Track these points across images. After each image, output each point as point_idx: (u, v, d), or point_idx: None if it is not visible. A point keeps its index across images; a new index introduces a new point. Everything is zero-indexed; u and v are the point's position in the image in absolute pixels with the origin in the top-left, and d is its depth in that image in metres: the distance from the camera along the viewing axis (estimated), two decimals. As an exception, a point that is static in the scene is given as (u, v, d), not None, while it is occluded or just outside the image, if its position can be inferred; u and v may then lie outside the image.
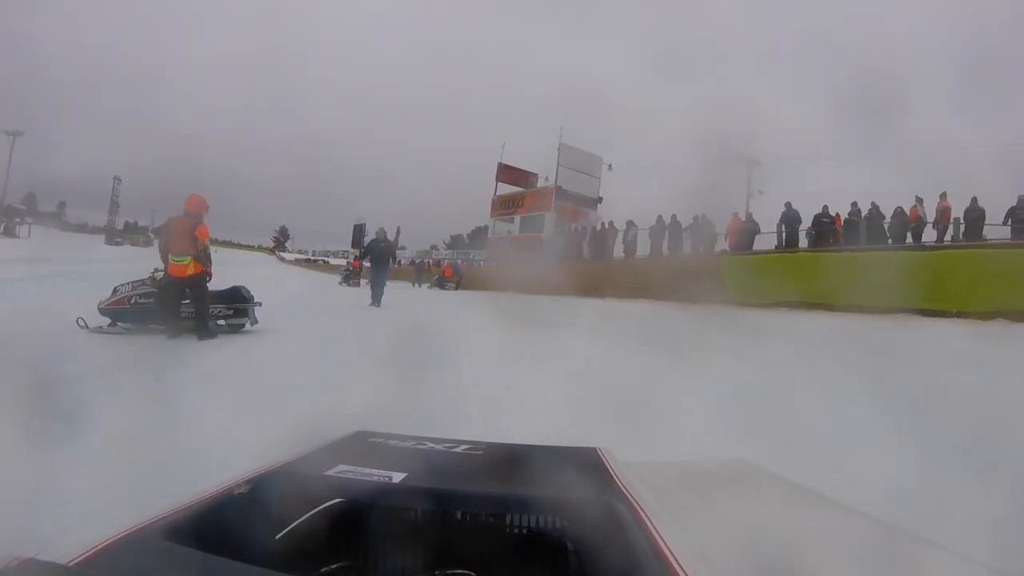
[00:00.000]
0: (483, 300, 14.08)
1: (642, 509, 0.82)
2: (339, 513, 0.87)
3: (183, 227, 6.19)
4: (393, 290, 20.61)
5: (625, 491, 0.91)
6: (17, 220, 22.38)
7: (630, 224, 16.67)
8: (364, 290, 19.76)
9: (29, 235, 21.43)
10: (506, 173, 25.75)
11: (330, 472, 0.95)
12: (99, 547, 0.64)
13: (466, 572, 0.83)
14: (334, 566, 0.83)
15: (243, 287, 6.68)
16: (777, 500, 1.18)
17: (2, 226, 21.56)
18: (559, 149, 22.80)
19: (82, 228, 29.01)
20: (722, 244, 14.80)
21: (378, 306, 10.55)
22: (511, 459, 1.17)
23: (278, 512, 0.84)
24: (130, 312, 6.05)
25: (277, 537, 0.82)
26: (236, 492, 0.86)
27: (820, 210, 14.11)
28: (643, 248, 16.37)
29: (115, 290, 6.17)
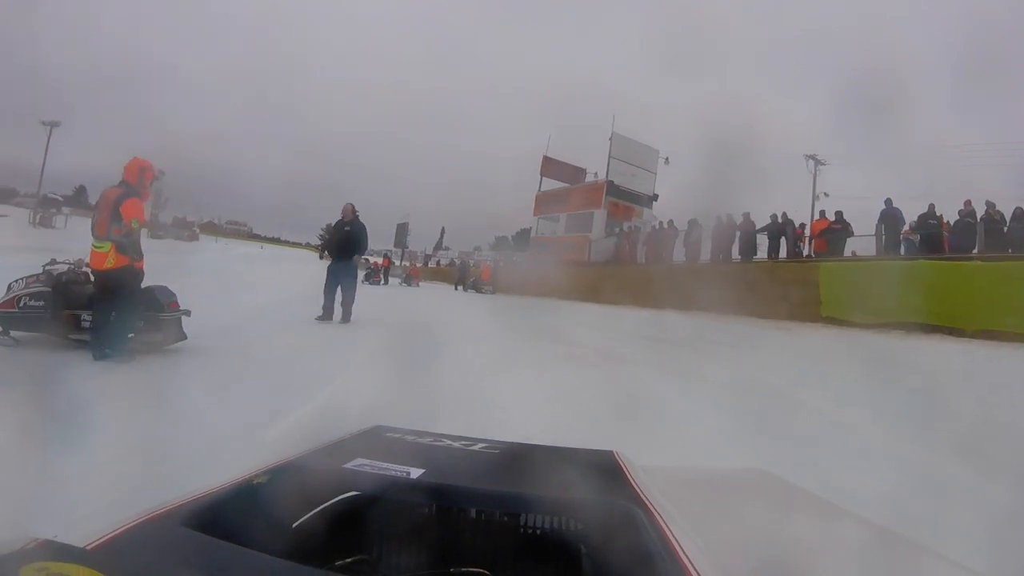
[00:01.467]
0: (523, 311, 12.17)
1: (659, 514, 0.81)
2: (355, 506, 0.87)
3: (108, 201, 4.47)
4: (417, 293, 17.65)
5: (642, 495, 0.90)
6: (53, 211, 22.49)
7: (692, 223, 14.61)
8: (382, 291, 19.10)
9: (66, 226, 21.40)
10: (551, 167, 23.59)
11: (348, 465, 0.95)
12: (116, 531, 0.64)
13: (481, 571, 0.83)
14: (348, 559, 0.84)
15: (162, 288, 4.86)
16: (796, 511, 1.15)
17: (38, 216, 21.64)
18: (611, 139, 20.32)
19: None
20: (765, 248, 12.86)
21: (347, 321, 7.39)
22: (527, 459, 1.15)
23: (295, 503, 0.84)
24: (19, 317, 4.51)
25: (293, 528, 0.81)
26: (255, 482, 0.86)
27: (926, 210, 11.90)
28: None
29: (9, 287, 4.64)
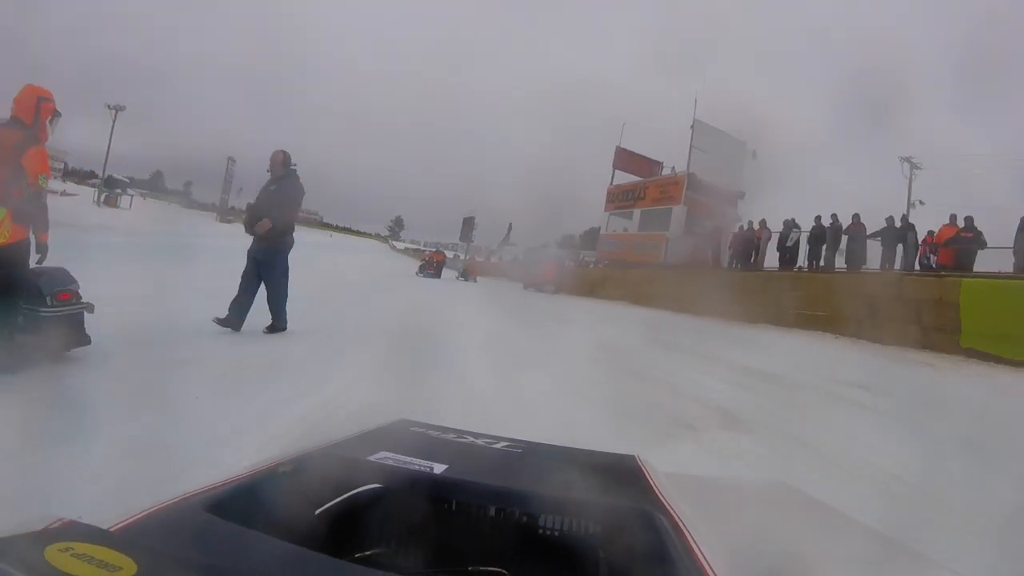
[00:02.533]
0: (593, 320, 10.41)
1: (681, 521, 0.81)
2: (376, 499, 0.87)
3: (2, 149, 3.15)
4: (465, 289, 16.39)
5: (664, 501, 0.90)
6: (119, 191, 23.74)
7: (789, 224, 12.95)
8: (422, 284, 17.88)
9: (131, 207, 22.56)
10: (624, 159, 22.03)
11: (372, 458, 0.96)
12: (140, 515, 0.64)
13: (500, 570, 0.83)
14: (368, 552, 0.85)
15: (57, 272, 3.50)
16: (817, 524, 1.15)
17: (103, 196, 22.87)
18: (692, 127, 18.56)
19: (203, 207, 30.89)
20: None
21: (276, 330, 5.02)
22: (549, 460, 1.15)
23: (318, 493, 0.84)
24: None
25: (314, 518, 0.81)
26: (279, 470, 0.86)
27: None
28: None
29: None
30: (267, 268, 4.99)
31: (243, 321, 4.84)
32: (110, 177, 25.34)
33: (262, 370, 3.73)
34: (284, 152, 5.14)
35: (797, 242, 12.71)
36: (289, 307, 5.09)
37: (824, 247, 12.31)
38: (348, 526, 0.85)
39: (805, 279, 11.08)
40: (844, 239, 12.04)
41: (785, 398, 4.27)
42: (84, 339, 3.53)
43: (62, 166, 35.31)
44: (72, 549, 0.49)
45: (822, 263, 12.07)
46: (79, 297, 3.52)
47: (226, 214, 27.21)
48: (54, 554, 0.48)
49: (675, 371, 5.18)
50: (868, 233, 11.82)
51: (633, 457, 1.19)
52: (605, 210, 22.52)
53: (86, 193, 23.05)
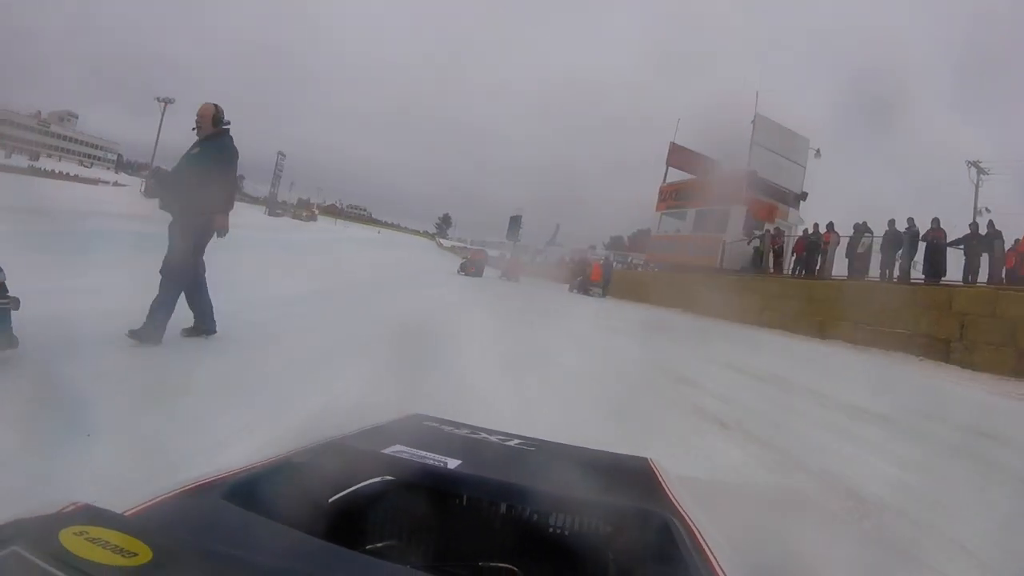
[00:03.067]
0: (655, 333, 9.35)
1: (694, 524, 0.80)
2: (389, 492, 0.88)
3: None
4: (503, 289, 15.25)
5: (677, 504, 0.90)
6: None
7: (860, 229, 12.14)
8: (459, 282, 16.53)
9: None
10: (678, 156, 21.15)
11: (386, 451, 0.96)
12: (155, 500, 0.65)
13: (510, 567, 0.84)
14: (380, 544, 0.85)
15: None
16: (830, 531, 1.18)
17: (144, 185, 24.02)
18: (753, 122, 17.55)
19: (254, 200, 32.03)
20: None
21: (201, 332, 4.03)
22: (562, 459, 1.13)
23: (332, 484, 0.84)
24: None
25: (327, 508, 0.82)
26: (294, 460, 0.86)
27: None
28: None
29: None
30: (175, 252, 3.89)
31: (162, 328, 3.72)
32: (157, 168, 26.69)
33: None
34: (215, 105, 4.11)
35: (869, 248, 11.91)
36: (281, 305, 4.67)
37: (899, 254, 11.50)
38: (360, 518, 0.86)
39: (883, 290, 10.27)
40: (921, 246, 11.23)
41: (927, 465, 3.31)
42: (10, 342, 2.87)
43: (115, 157, 37.49)
44: (87, 533, 0.49)
45: (897, 272, 11.26)
46: (4, 290, 2.87)
47: (275, 207, 28.15)
48: (68, 537, 0.48)
49: (781, 423, 4.00)
50: (948, 240, 10.98)
51: (646, 459, 1.19)
52: (657, 209, 21.79)
53: (135, 184, 24.16)
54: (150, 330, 3.65)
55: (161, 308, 3.73)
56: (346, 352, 4.40)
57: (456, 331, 5.78)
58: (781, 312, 11.28)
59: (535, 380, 4.13)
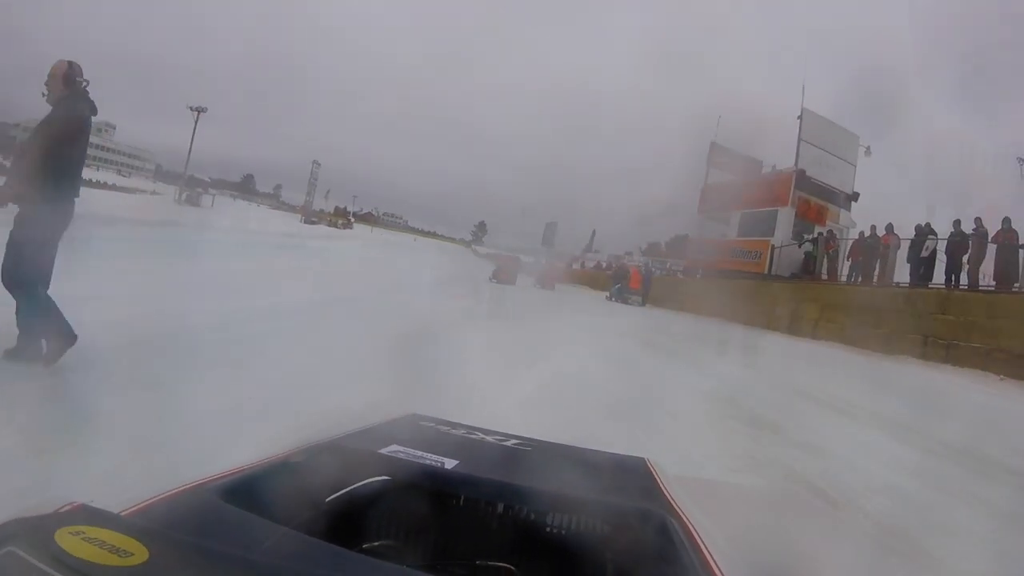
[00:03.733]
0: (705, 351, 8.53)
1: (691, 523, 0.80)
2: (386, 491, 0.88)
3: None
4: (536, 297, 14.85)
5: (673, 503, 0.90)
6: (200, 190, 25.96)
7: (923, 231, 11.47)
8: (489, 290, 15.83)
9: (212, 205, 24.61)
10: (719, 156, 20.31)
11: (383, 451, 0.97)
12: (152, 500, 0.64)
13: (507, 566, 0.83)
14: (376, 543, 0.85)
15: None
16: (826, 530, 1.19)
17: (184, 195, 24.96)
18: (800, 117, 16.63)
19: (291, 208, 33.07)
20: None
21: (31, 356, 2.98)
22: (559, 459, 1.14)
23: (328, 484, 0.84)
24: None
25: (324, 508, 0.82)
26: (291, 460, 0.86)
27: None
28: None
29: None
30: (15, 247, 2.98)
31: (36, 345, 3.02)
32: (191, 177, 27.68)
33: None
34: (69, 63, 3.18)
35: (933, 252, 11.27)
36: (270, 319, 4.25)
37: (966, 258, 10.83)
38: (357, 517, 0.86)
39: (957, 300, 9.60)
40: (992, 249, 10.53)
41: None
42: None
43: (154, 167, 38.87)
44: (83, 533, 0.49)
45: (965, 278, 10.60)
46: None
47: (311, 215, 28.88)
48: (65, 537, 0.47)
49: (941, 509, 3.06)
50: (1022, 243, 10.27)
51: (643, 459, 1.20)
52: (698, 213, 21.11)
53: (171, 193, 25.43)
54: (29, 341, 2.99)
55: (28, 319, 2.98)
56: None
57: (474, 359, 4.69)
58: (840, 323, 10.77)
59: (580, 431, 3.34)
